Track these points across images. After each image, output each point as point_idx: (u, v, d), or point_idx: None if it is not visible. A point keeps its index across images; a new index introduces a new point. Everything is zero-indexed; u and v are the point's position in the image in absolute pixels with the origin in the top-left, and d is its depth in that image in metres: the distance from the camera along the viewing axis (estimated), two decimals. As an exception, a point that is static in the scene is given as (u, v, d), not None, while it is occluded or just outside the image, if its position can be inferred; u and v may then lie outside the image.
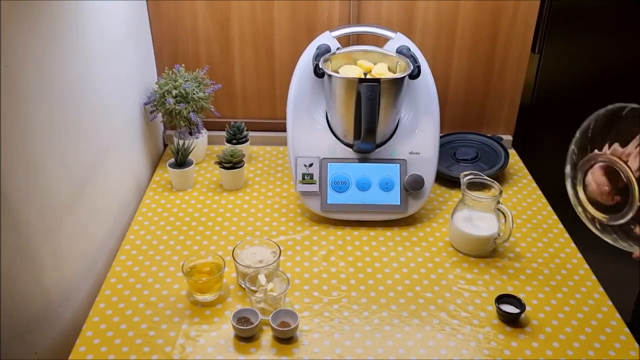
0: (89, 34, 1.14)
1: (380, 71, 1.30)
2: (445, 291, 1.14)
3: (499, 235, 1.21)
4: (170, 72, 1.48)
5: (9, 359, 0.91)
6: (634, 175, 0.82)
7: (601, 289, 1.15)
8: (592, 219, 0.89)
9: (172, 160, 1.44)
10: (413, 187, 1.30)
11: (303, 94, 1.35)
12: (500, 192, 1.19)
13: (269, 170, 1.54)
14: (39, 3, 0.95)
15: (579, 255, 1.25)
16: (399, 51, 1.33)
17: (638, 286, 1.21)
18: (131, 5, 1.40)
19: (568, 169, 0.91)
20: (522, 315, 1.06)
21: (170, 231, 1.30)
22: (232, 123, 1.53)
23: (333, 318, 1.07)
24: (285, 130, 1.35)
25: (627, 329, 1.06)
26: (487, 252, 1.23)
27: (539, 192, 1.47)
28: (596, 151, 0.87)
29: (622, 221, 0.85)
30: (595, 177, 0.87)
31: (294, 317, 1.03)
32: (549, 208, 1.41)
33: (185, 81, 1.46)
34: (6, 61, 0.85)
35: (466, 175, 1.23)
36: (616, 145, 0.85)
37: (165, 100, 1.43)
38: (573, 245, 1.28)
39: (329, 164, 1.32)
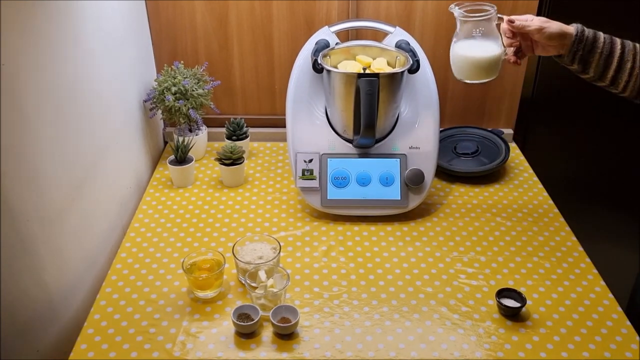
0: (87, 32, 1.14)
1: (380, 66, 1.30)
2: (445, 286, 1.14)
3: (505, 51, 1.13)
4: (169, 69, 1.48)
5: (11, 357, 0.92)
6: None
7: (602, 283, 1.15)
8: None
9: (172, 157, 1.44)
10: (413, 181, 1.30)
11: (302, 89, 1.34)
12: (496, 9, 1.12)
13: (269, 167, 1.54)
14: (37, 2, 0.95)
15: (580, 248, 1.24)
16: (398, 45, 1.33)
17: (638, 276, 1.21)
18: (129, 3, 1.40)
19: None
20: (523, 309, 1.06)
21: (170, 228, 1.30)
22: (231, 119, 1.53)
23: (333, 314, 1.07)
24: (285, 126, 1.35)
25: (628, 322, 1.05)
26: (496, 74, 1.16)
27: (540, 185, 1.47)
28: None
29: None
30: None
31: (295, 313, 1.03)
32: (550, 202, 1.40)
33: (185, 78, 1.46)
34: (4, 60, 0.85)
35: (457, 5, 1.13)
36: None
37: (165, 97, 1.43)
38: (574, 238, 1.27)
39: (328, 159, 1.31)
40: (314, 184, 1.31)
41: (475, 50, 1.13)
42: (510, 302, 1.07)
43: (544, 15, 1.52)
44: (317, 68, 1.28)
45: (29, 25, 0.92)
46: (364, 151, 1.32)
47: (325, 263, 1.20)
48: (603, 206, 1.84)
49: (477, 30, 1.13)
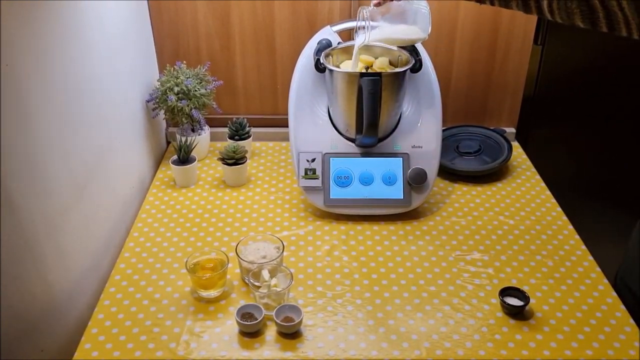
0: (90, 32, 1.15)
1: (382, 65, 1.30)
2: (449, 284, 1.14)
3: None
4: (172, 69, 1.48)
5: (15, 356, 0.92)
6: None
7: (605, 281, 1.15)
8: None
9: (175, 157, 1.45)
10: (416, 180, 1.30)
11: (305, 89, 1.35)
12: None
13: (271, 166, 1.54)
14: (39, 3, 0.95)
15: (583, 247, 1.24)
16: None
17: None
18: (132, 3, 1.40)
19: None
20: (526, 307, 1.06)
21: (173, 228, 1.30)
22: (234, 119, 1.53)
23: (337, 313, 1.07)
24: (287, 126, 1.35)
25: (631, 320, 1.05)
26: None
27: (543, 184, 1.47)
28: None
29: None
30: None
31: (298, 312, 1.03)
32: (553, 200, 1.40)
33: (187, 78, 1.46)
34: (7, 60, 0.85)
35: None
36: None
37: (167, 97, 1.44)
38: (577, 237, 1.27)
39: (331, 158, 1.32)
40: (317, 183, 1.31)
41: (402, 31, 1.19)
42: (513, 301, 1.07)
43: (544, 27, 1.53)
44: (320, 67, 1.28)
45: (31, 26, 0.92)
46: (367, 150, 1.32)
47: (329, 262, 1.20)
48: (606, 205, 1.84)
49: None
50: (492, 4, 0.92)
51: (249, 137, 1.54)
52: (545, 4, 0.81)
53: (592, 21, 0.77)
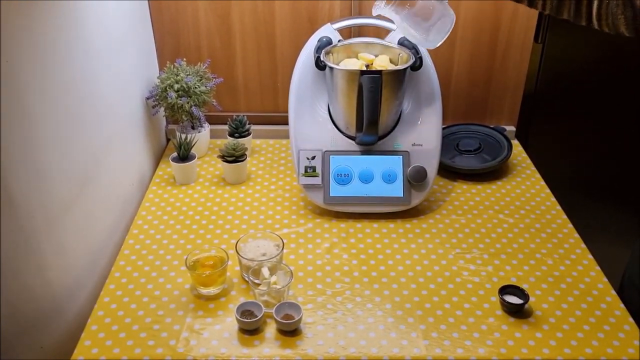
0: (90, 29, 1.14)
1: (382, 63, 1.30)
2: (448, 282, 1.14)
3: None
4: (172, 66, 1.48)
5: (15, 353, 0.92)
6: None
7: (605, 279, 1.15)
8: None
9: (175, 154, 1.44)
10: (416, 179, 1.30)
11: (305, 86, 1.34)
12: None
13: (271, 164, 1.54)
14: (40, 1, 0.95)
15: (583, 245, 1.24)
16: (401, 43, 1.33)
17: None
18: (132, 1, 1.40)
19: None
20: (526, 305, 1.06)
21: (173, 225, 1.30)
22: (234, 116, 1.53)
23: (336, 310, 1.07)
24: (287, 123, 1.35)
25: (630, 319, 1.05)
26: None
27: (543, 182, 1.47)
28: None
29: None
30: None
31: (298, 310, 1.03)
32: (553, 199, 1.40)
33: (187, 75, 1.46)
34: (7, 57, 0.85)
35: None
36: None
37: (167, 94, 1.43)
38: (577, 235, 1.27)
39: (331, 156, 1.31)
40: (317, 181, 1.31)
41: None
42: (513, 299, 1.07)
43: (544, 25, 1.53)
44: (320, 65, 1.28)
45: (31, 23, 0.92)
46: (367, 148, 1.32)
47: (328, 260, 1.20)
48: (606, 203, 1.84)
49: None
50: (544, 9, 0.98)
51: (249, 134, 1.54)
52: (595, 21, 0.94)
53: (637, 31, 0.91)
